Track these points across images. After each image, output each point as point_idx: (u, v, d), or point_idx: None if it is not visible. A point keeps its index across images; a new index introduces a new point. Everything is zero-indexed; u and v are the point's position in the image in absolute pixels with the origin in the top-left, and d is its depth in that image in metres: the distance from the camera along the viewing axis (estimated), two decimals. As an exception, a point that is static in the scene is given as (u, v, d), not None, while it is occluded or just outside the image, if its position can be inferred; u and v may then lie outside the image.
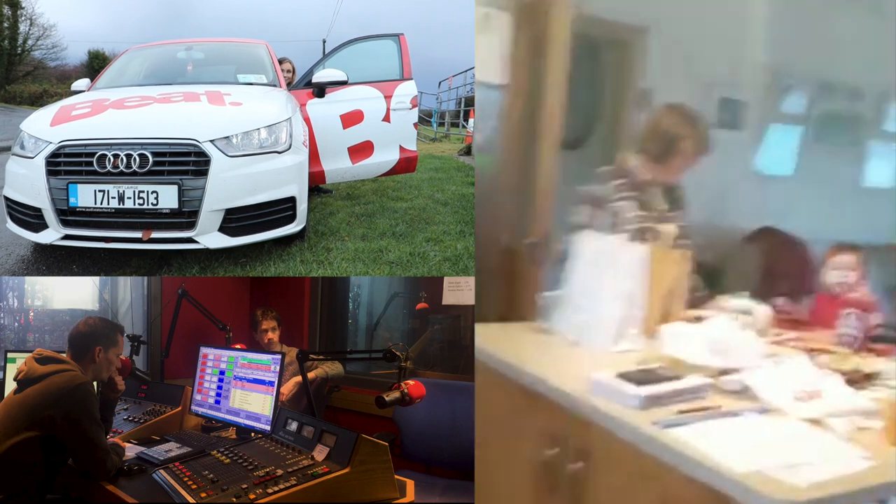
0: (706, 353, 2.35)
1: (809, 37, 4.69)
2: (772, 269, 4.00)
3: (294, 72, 4.64)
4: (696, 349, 2.37)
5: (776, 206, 4.79)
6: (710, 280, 3.17)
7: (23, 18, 9.25)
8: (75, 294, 3.89)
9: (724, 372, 2.29)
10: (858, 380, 2.41)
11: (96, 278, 3.71)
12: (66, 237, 3.09)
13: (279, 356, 2.66)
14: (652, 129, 2.98)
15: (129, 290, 3.86)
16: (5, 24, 9.21)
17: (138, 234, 3.04)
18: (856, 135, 5.45)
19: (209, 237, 3.09)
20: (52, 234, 3.10)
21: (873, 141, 5.59)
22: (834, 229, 4.18)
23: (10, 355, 3.03)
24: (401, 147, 4.18)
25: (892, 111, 5.68)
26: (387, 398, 2.23)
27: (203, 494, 2.06)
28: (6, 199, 3.30)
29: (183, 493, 2.09)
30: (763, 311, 2.91)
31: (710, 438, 1.90)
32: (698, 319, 2.66)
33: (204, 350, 3.00)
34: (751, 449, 1.85)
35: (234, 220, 3.11)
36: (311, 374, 3.24)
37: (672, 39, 4.15)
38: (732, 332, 2.48)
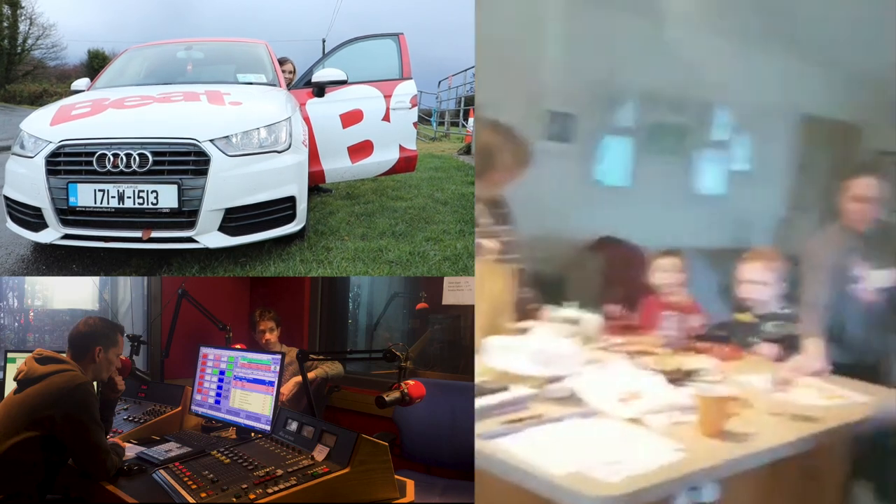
0: (529, 364, 2.46)
1: (636, 50, 4.82)
2: (611, 277, 4.12)
3: (295, 72, 4.64)
4: (520, 360, 2.47)
5: (614, 216, 4.92)
6: (551, 291, 3.26)
7: (22, 18, 9.23)
8: (75, 294, 3.89)
9: (552, 380, 2.41)
10: (680, 378, 2.54)
11: (96, 278, 3.71)
12: (66, 237, 3.09)
13: (279, 356, 2.67)
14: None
15: (129, 290, 3.86)
16: (5, 24, 9.19)
17: (138, 234, 3.04)
18: (682, 144, 5.67)
19: (209, 237, 3.09)
20: (52, 234, 3.10)
21: (700, 150, 5.82)
22: (669, 235, 4.35)
23: (10, 355, 3.04)
24: (400, 146, 4.18)
25: (715, 121, 5.94)
26: (387, 398, 2.24)
27: (203, 494, 2.06)
28: (6, 198, 3.29)
29: (183, 493, 2.10)
30: (591, 319, 3.04)
31: (533, 445, 2.01)
32: (524, 331, 2.75)
33: (204, 350, 3.01)
34: (571, 451, 1.96)
35: (234, 219, 3.11)
36: (311, 374, 3.25)
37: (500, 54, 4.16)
38: (555, 341, 2.60)
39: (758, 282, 3.23)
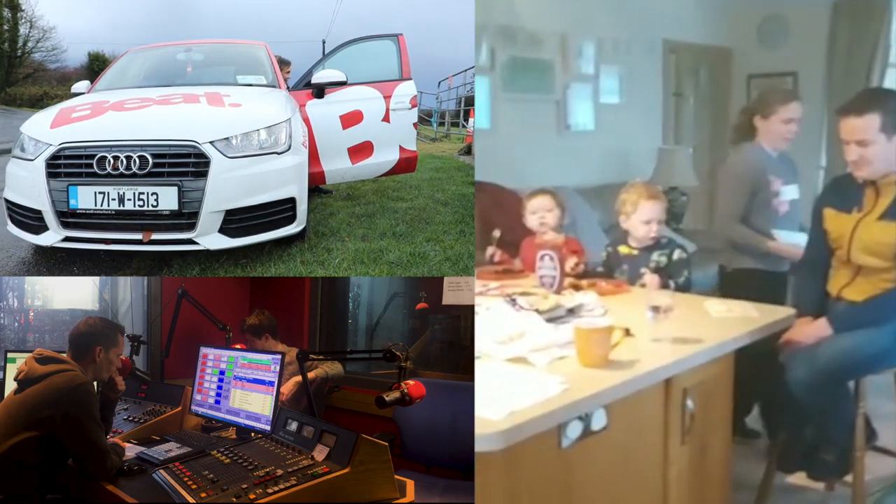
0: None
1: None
2: (486, 221, 4.07)
3: (289, 72, 4.67)
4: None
5: (482, 160, 4.95)
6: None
7: (23, 21, 9.26)
8: (75, 294, 3.89)
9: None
10: (563, 315, 2.63)
11: (96, 278, 3.71)
12: (67, 239, 3.09)
13: (279, 356, 2.67)
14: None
15: (129, 290, 3.85)
16: (5, 27, 9.21)
17: (139, 236, 3.04)
18: (545, 81, 5.57)
19: (209, 238, 3.09)
20: (53, 236, 3.10)
21: (569, 85, 5.74)
22: (540, 176, 4.45)
23: (10, 355, 3.03)
24: (400, 147, 4.18)
25: (583, 54, 5.82)
26: (387, 398, 2.23)
27: (203, 494, 2.06)
28: (6, 201, 3.30)
29: (183, 493, 2.09)
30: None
31: None
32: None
33: (204, 350, 3.01)
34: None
35: (235, 221, 3.12)
36: (311, 374, 3.24)
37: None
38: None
39: (640, 217, 3.28)
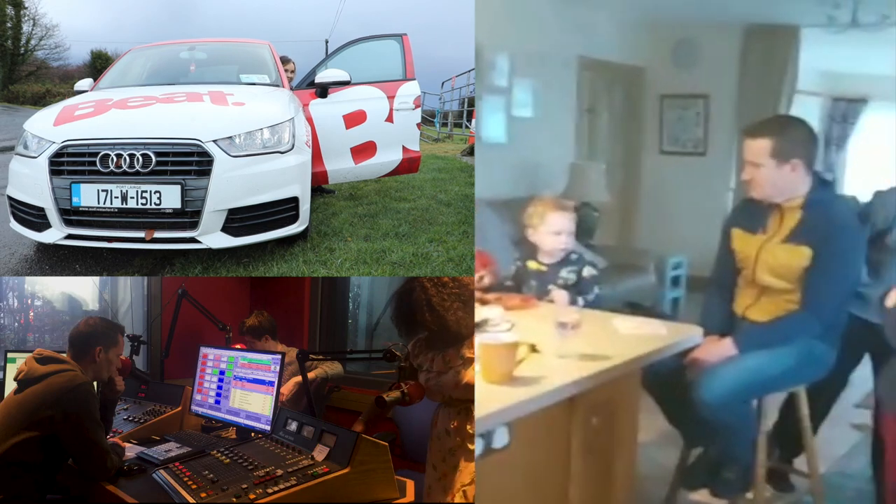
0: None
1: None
2: None
3: (295, 71, 4.65)
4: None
5: None
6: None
7: (26, 18, 9.29)
8: (75, 294, 3.89)
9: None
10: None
11: (96, 278, 3.71)
12: (69, 237, 3.08)
13: (279, 356, 2.66)
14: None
15: (129, 290, 3.86)
16: (8, 25, 9.24)
17: (141, 234, 3.03)
18: None
19: (212, 237, 3.08)
20: (55, 234, 3.09)
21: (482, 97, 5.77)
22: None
23: (10, 355, 3.02)
24: (404, 147, 4.16)
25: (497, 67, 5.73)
26: (387, 398, 2.23)
27: (203, 494, 2.06)
28: (9, 198, 3.30)
29: (183, 493, 2.09)
30: None
31: None
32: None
33: (204, 350, 3.00)
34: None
35: (237, 220, 3.11)
36: (311, 374, 3.24)
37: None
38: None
39: (549, 230, 3.26)
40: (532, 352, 2.33)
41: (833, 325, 2.88)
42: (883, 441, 2.39)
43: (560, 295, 3.11)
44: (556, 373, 2.21)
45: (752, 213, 2.99)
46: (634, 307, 3.66)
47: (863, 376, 3.30)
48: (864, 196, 3.35)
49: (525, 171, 5.80)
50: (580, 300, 3.17)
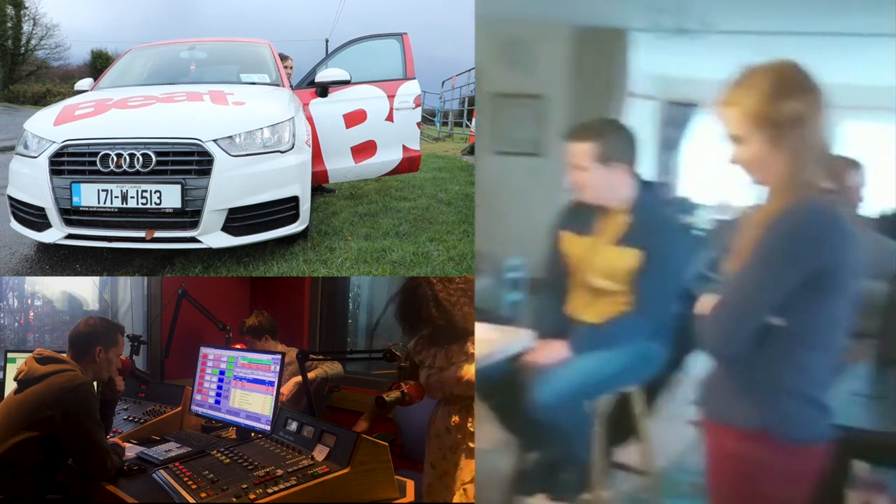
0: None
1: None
2: None
3: (292, 68, 4.64)
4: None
5: None
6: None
7: (26, 18, 9.28)
8: (75, 294, 3.89)
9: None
10: None
11: (96, 278, 3.71)
12: (70, 236, 3.09)
13: (279, 356, 2.66)
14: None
15: (129, 290, 3.86)
16: (9, 24, 9.23)
17: (141, 234, 3.04)
18: None
19: (212, 237, 3.08)
20: (56, 234, 3.10)
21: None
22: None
23: (10, 355, 3.03)
24: (404, 146, 4.16)
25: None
26: (387, 398, 2.23)
27: (203, 494, 2.06)
28: (10, 198, 3.30)
29: (183, 493, 2.10)
30: None
31: None
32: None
33: (204, 350, 3.00)
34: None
35: (237, 219, 3.11)
36: (311, 374, 3.24)
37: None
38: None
39: None
40: None
41: (664, 325, 2.89)
42: None
43: None
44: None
45: (580, 216, 2.98)
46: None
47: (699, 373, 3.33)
48: (697, 198, 3.40)
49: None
50: None
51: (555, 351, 2.87)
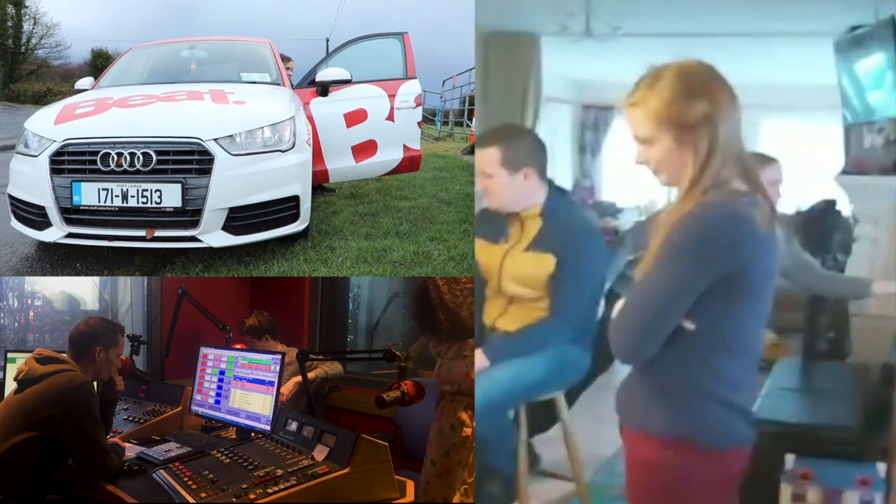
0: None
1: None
2: None
3: (292, 70, 4.64)
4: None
5: None
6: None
7: (26, 17, 9.29)
8: (75, 294, 3.89)
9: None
10: None
11: (96, 278, 3.71)
12: (70, 235, 3.09)
13: (279, 356, 2.66)
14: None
15: (129, 290, 3.85)
16: (9, 23, 9.23)
17: (142, 233, 3.03)
18: None
19: (212, 236, 3.08)
20: (56, 233, 3.09)
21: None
22: None
23: (10, 355, 3.02)
24: (405, 146, 4.15)
25: None
26: (387, 398, 2.22)
27: (203, 494, 2.06)
28: (10, 197, 3.30)
29: (183, 493, 2.09)
30: None
31: None
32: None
33: (204, 350, 3.00)
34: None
35: (238, 218, 3.10)
36: (311, 374, 3.23)
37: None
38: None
39: None
40: None
41: (584, 330, 2.87)
42: None
43: None
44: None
45: (491, 223, 2.96)
46: None
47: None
48: (621, 201, 3.40)
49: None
50: None
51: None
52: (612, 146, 8.99)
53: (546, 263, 2.80)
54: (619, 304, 1.75)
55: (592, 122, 9.10)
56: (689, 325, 1.67)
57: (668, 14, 5.21)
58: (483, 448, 2.81)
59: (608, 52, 5.83)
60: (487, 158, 2.82)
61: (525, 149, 2.84)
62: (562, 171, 8.46)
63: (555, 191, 2.91)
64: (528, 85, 6.72)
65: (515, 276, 2.86)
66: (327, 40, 8.11)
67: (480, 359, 2.81)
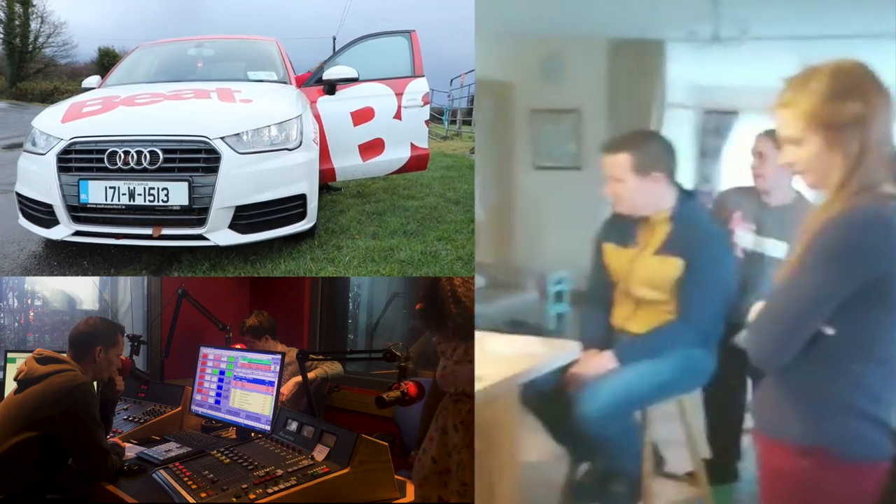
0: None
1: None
2: None
3: None
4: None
5: None
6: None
7: (34, 16, 9.33)
8: (75, 294, 3.90)
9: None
10: None
11: (96, 278, 3.72)
12: (77, 233, 3.11)
13: (279, 356, 2.65)
14: None
15: (129, 290, 3.85)
16: (16, 22, 9.29)
17: (149, 231, 3.05)
18: None
19: (219, 234, 3.09)
20: (63, 231, 3.11)
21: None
22: None
23: (10, 355, 3.02)
24: (412, 145, 4.14)
25: None
26: (387, 398, 2.22)
27: (203, 494, 2.06)
28: (18, 195, 3.32)
29: (183, 493, 2.10)
30: None
31: None
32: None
33: (204, 350, 2.99)
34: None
35: (245, 217, 3.11)
36: (311, 374, 3.22)
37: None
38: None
39: None
40: None
41: (710, 333, 2.91)
42: None
43: None
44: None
45: (621, 228, 3.00)
46: (518, 325, 3.66)
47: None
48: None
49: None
50: None
51: (600, 362, 2.89)
52: (732, 151, 8.99)
53: (674, 267, 2.84)
54: (756, 307, 1.74)
55: (714, 128, 9.12)
56: (829, 331, 1.65)
57: (797, 16, 5.21)
58: (607, 448, 2.89)
59: (733, 56, 5.83)
60: (618, 163, 2.86)
61: (655, 153, 2.88)
62: (682, 176, 8.59)
63: (683, 195, 2.95)
64: (652, 91, 6.84)
65: (644, 279, 2.91)
66: (334, 38, 8.10)
67: (609, 360, 2.88)
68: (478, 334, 2.85)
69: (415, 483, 2.14)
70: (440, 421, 2.22)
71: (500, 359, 2.60)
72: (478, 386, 2.27)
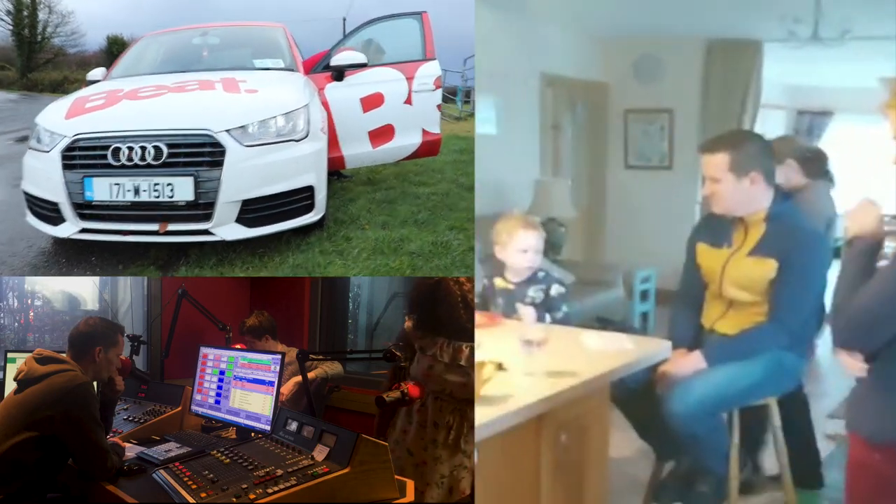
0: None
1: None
2: None
3: None
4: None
5: None
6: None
7: (41, 6, 9.40)
8: (75, 294, 3.91)
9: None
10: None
11: (96, 278, 3.72)
12: (84, 231, 3.10)
13: (279, 356, 2.63)
14: None
15: (129, 290, 3.86)
16: (25, 13, 9.36)
17: (155, 227, 3.03)
18: None
19: (226, 228, 3.07)
20: (70, 228, 3.11)
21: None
22: None
23: (10, 355, 3.02)
24: (423, 130, 4.07)
25: None
26: (387, 398, 2.22)
27: (203, 494, 2.05)
28: (25, 192, 3.32)
29: (183, 492, 2.09)
30: None
31: None
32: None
33: (204, 350, 2.97)
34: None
35: (252, 210, 3.09)
36: (311, 374, 3.21)
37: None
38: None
39: (516, 247, 3.20)
40: (499, 370, 2.28)
41: (801, 336, 2.90)
42: None
43: (527, 312, 3.05)
44: (524, 391, 2.19)
45: (715, 228, 3.00)
46: (604, 322, 3.66)
47: (837, 386, 3.34)
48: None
49: (491, 189, 5.71)
50: (548, 317, 3.11)
51: (690, 362, 2.89)
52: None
53: (768, 268, 2.83)
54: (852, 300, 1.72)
55: (806, 128, 9.08)
56: None
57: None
58: (695, 448, 2.91)
59: (831, 56, 5.87)
60: (716, 163, 2.86)
61: (753, 153, 2.87)
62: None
63: (779, 196, 2.92)
64: (747, 91, 6.91)
65: (737, 280, 2.91)
66: (344, 20, 8.03)
67: (699, 360, 2.89)
68: (571, 330, 2.89)
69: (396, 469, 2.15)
70: (420, 416, 2.23)
71: (591, 355, 2.59)
72: (572, 381, 2.28)
